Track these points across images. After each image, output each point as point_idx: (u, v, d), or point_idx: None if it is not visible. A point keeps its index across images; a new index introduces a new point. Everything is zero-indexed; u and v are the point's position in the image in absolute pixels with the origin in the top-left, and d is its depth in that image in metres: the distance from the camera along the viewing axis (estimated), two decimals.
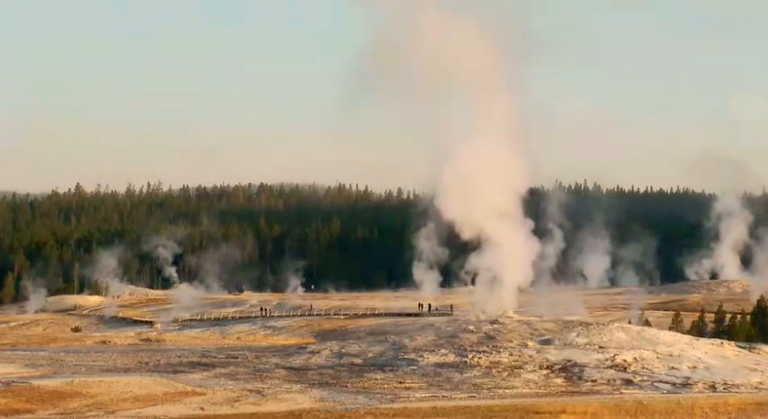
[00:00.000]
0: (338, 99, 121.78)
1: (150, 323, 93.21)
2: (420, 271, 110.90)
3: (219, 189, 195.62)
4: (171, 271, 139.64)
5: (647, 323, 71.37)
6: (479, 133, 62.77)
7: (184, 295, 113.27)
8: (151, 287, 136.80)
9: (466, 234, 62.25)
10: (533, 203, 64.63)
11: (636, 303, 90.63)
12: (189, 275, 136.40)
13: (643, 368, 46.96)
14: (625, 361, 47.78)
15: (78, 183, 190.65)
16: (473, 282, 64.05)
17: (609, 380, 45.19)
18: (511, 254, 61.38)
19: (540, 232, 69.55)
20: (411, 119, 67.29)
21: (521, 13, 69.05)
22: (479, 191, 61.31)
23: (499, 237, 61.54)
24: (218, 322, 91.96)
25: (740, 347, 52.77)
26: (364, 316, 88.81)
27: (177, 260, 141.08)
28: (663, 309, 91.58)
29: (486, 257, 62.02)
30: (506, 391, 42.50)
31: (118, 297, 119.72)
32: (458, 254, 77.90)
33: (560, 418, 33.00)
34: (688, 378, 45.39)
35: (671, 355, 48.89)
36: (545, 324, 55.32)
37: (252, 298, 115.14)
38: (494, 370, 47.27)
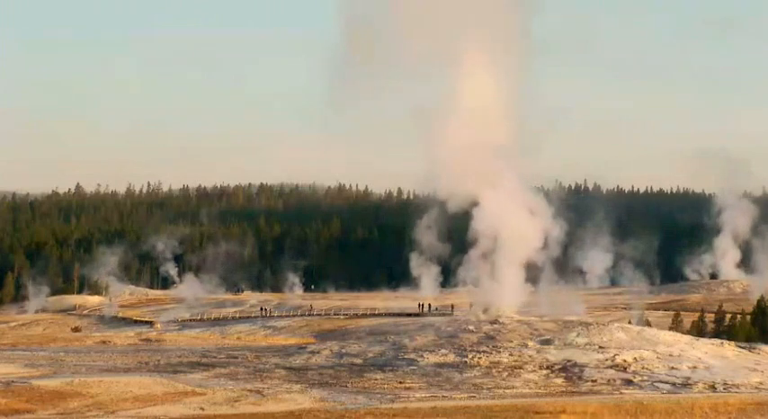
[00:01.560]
0: (326, 91, 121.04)
1: (150, 323, 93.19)
2: (418, 266, 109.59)
3: (219, 189, 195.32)
4: (171, 271, 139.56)
5: (647, 323, 71.31)
6: (471, 108, 61.95)
7: (190, 290, 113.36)
8: (151, 287, 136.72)
9: (463, 203, 61.23)
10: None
11: (636, 303, 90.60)
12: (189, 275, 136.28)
13: (643, 368, 46.95)
14: (625, 361, 47.77)
15: (78, 183, 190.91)
16: (473, 246, 61.77)
17: (609, 380, 45.18)
18: (511, 218, 60.33)
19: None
20: (402, 99, 66.64)
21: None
22: (474, 160, 60.23)
23: (497, 205, 60.48)
24: (218, 322, 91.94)
25: (740, 347, 52.76)
26: (364, 316, 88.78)
27: (177, 260, 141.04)
28: (663, 309, 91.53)
29: (482, 221, 60.50)
30: (506, 391, 42.50)
31: (117, 297, 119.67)
32: (456, 252, 77.29)
33: (560, 418, 33.00)
34: (688, 378, 45.38)
35: (671, 355, 48.88)
36: (545, 324, 55.27)
37: (252, 298, 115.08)
38: (494, 370, 47.25)
